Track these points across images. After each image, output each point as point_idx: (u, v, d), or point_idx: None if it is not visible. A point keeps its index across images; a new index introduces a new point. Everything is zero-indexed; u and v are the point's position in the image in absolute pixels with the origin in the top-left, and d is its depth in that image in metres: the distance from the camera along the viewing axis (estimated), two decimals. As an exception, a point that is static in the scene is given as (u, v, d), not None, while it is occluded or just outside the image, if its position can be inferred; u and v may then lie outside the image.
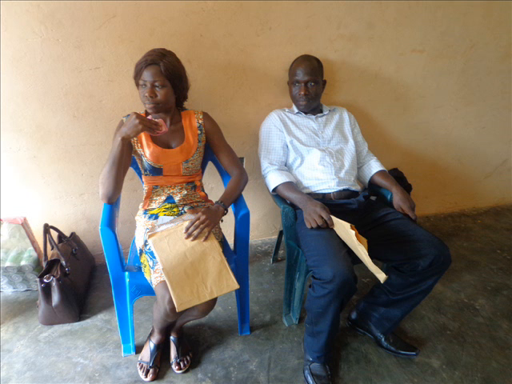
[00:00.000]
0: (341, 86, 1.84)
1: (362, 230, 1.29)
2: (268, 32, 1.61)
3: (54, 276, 1.49)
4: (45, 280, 1.48)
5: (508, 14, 1.88)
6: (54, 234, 1.67)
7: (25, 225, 1.69)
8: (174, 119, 1.37)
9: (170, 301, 1.07)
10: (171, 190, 1.40)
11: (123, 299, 1.34)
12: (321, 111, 1.63)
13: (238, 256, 1.38)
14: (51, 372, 1.36)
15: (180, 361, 1.36)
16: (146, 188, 1.42)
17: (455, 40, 1.88)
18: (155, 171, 1.36)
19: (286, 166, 1.58)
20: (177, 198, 1.39)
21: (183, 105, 1.43)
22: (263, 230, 2.20)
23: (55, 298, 1.50)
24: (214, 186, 1.93)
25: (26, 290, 1.75)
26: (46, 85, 1.48)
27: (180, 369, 1.35)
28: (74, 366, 1.38)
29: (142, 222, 1.38)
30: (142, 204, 1.43)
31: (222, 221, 1.30)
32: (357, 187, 1.55)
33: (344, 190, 1.50)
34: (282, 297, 1.71)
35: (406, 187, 2.01)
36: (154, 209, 1.39)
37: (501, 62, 2.02)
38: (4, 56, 1.39)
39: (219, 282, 1.10)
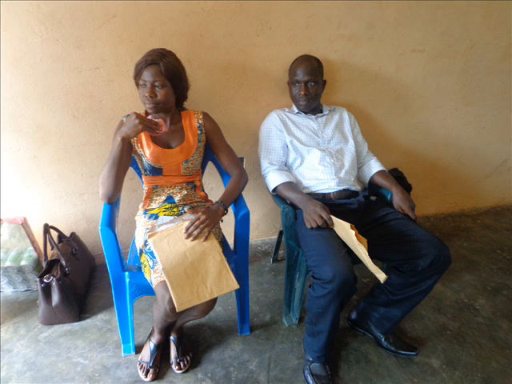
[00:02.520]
0: (341, 86, 1.84)
1: (362, 230, 1.29)
2: (268, 32, 1.61)
3: (54, 276, 1.49)
4: (45, 280, 1.48)
5: (508, 14, 1.88)
6: (54, 234, 1.67)
7: (25, 225, 1.69)
8: (173, 119, 1.37)
9: (170, 301, 1.07)
10: (171, 190, 1.39)
11: (123, 299, 1.34)
12: (321, 111, 1.63)
13: (238, 256, 1.38)
14: (51, 372, 1.36)
15: (180, 361, 1.36)
16: (145, 188, 1.42)
17: (455, 40, 1.88)
18: (155, 171, 1.36)
19: (286, 165, 1.58)
20: (177, 198, 1.39)
21: (183, 105, 1.43)
22: (263, 229, 2.20)
23: (55, 298, 1.50)
24: (214, 186, 1.93)
25: (26, 290, 1.75)
26: (45, 85, 1.48)
27: (180, 369, 1.35)
28: (74, 366, 1.38)
29: (142, 221, 1.38)
30: (142, 204, 1.43)
31: (221, 221, 1.30)
32: (357, 187, 1.55)
33: (344, 189, 1.50)
34: (282, 297, 1.71)
35: (406, 187, 2.01)
36: (153, 209, 1.39)
37: (501, 62, 2.02)
38: (4, 56, 1.39)
39: (219, 281, 1.10)
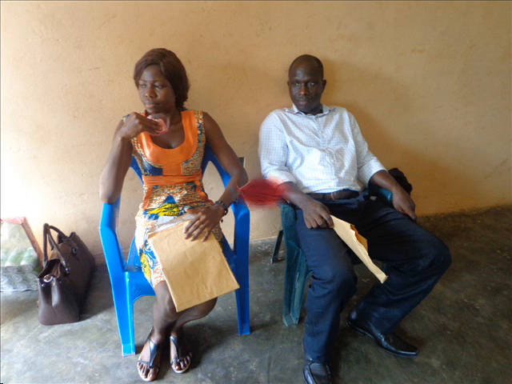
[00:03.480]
0: (341, 86, 1.84)
1: (362, 230, 1.29)
2: (268, 32, 1.61)
3: (54, 276, 1.49)
4: (45, 280, 1.48)
5: (508, 14, 1.88)
6: (54, 234, 1.67)
7: (25, 225, 1.69)
8: (173, 119, 1.37)
9: (170, 301, 1.07)
10: (171, 190, 1.40)
11: (123, 299, 1.34)
12: (321, 111, 1.63)
13: (238, 256, 1.38)
14: (51, 372, 1.36)
15: (180, 361, 1.36)
16: (146, 188, 1.42)
17: (455, 40, 1.88)
18: (155, 171, 1.36)
19: (285, 165, 1.58)
20: (177, 198, 1.39)
21: (183, 105, 1.43)
22: (263, 229, 2.20)
23: (55, 298, 1.50)
24: (214, 186, 1.93)
25: (26, 290, 1.75)
26: (45, 85, 1.48)
27: (180, 369, 1.35)
28: (74, 366, 1.38)
29: (142, 221, 1.38)
30: (142, 204, 1.43)
31: (221, 221, 1.30)
32: (357, 187, 1.55)
33: (344, 189, 1.50)
34: (282, 297, 1.71)
35: (406, 187, 2.01)
36: (153, 209, 1.39)
37: (501, 62, 2.02)
38: (4, 56, 1.39)
39: (219, 281, 1.10)
